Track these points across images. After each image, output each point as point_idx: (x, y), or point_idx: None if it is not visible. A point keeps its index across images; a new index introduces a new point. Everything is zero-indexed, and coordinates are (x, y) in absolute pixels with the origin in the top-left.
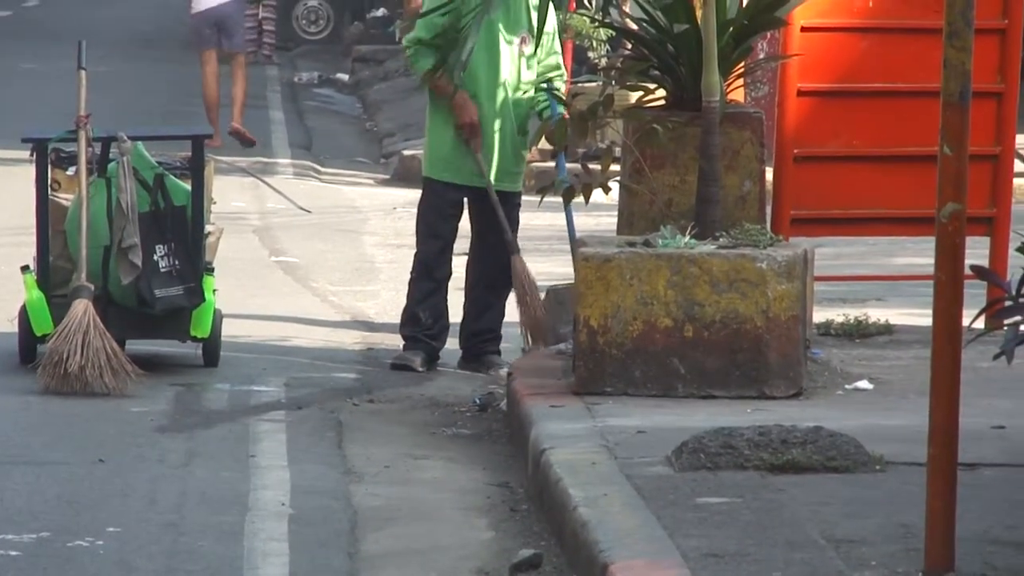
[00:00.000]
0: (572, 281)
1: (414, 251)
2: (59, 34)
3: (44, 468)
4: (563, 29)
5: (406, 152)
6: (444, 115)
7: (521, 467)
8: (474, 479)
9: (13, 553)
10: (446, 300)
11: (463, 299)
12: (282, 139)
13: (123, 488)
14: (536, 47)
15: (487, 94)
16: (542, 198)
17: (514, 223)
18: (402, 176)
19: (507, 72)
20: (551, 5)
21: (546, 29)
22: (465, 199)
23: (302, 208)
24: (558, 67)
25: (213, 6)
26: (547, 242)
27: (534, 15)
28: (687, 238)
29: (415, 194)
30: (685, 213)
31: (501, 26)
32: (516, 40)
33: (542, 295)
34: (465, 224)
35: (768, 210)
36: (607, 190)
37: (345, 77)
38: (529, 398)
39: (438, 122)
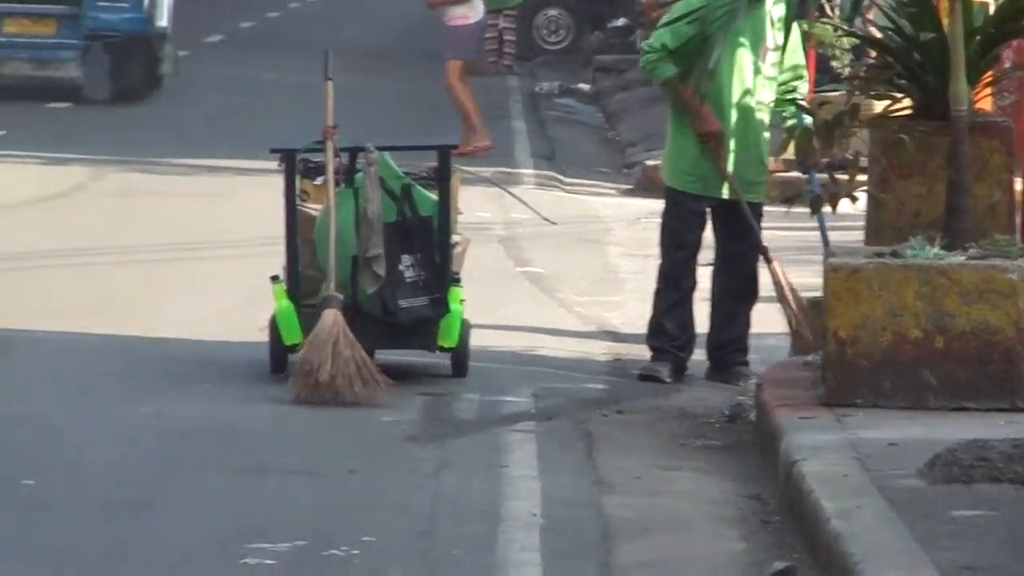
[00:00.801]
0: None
1: (659, 262)
2: (301, 45)
3: (297, 477)
4: (806, 38)
5: (648, 162)
6: (686, 125)
7: (772, 478)
8: (724, 490)
9: (269, 562)
10: (692, 311)
11: (709, 310)
12: (524, 149)
13: (375, 497)
14: (782, 57)
15: (730, 104)
16: (789, 208)
17: (759, 232)
18: (645, 186)
19: (750, 82)
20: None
21: (792, 36)
22: (708, 209)
23: (547, 219)
24: (800, 75)
25: (481, 18)
26: (791, 252)
27: (779, 26)
28: (936, 249)
29: (658, 204)
30: (933, 223)
31: (745, 36)
32: (760, 50)
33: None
34: (710, 234)
35: (1018, 220)
36: (854, 200)
37: (586, 87)
38: (779, 409)
39: (680, 132)
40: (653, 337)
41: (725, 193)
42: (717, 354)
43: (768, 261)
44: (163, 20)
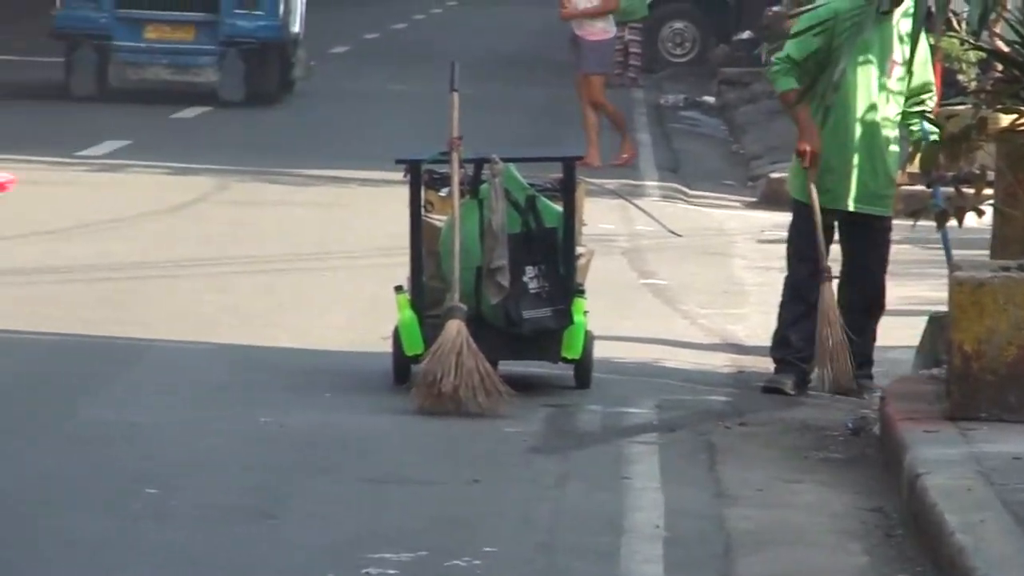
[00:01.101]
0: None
1: (784, 274)
2: (426, 56)
3: (420, 488)
4: (933, 52)
5: (773, 175)
6: None
7: (895, 492)
8: (847, 504)
9: (391, 572)
10: (814, 324)
11: None
12: (649, 161)
13: (498, 508)
14: (909, 73)
15: (856, 118)
16: (915, 222)
17: (884, 248)
18: (769, 199)
19: (877, 96)
20: (923, 30)
21: (920, 51)
22: (835, 222)
23: (672, 232)
24: (929, 89)
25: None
26: (918, 265)
27: (906, 41)
28: None
29: (782, 217)
30: None
31: (873, 51)
32: (887, 65)
33: (920, 321)
34: (837, 247)
35: None
36: (980, 214)
37: (711, 99)
38: (902, 423)
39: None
40: (777, 349)
41: (851, 206)
42: None
43: (823, 281)
44: (296, 26)
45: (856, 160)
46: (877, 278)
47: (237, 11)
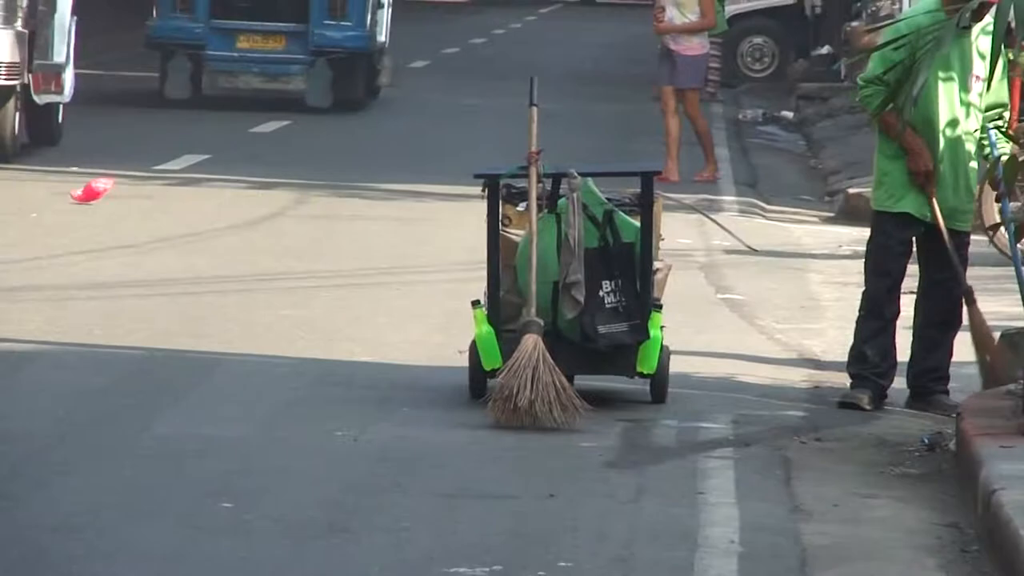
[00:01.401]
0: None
1: (862, 289)
2: (504, 71)
3: (495, 502)
4: (1011, 68)
5: (851, 190)
6: (893, 149)
7: (970, 507)
8: (923, 519)
9: None
10: (894, 338)
11: (911, 338)
12: (727, 176)
13: (573, 522)
14: (987, 88)
15: (940, 132)
16: (992, 236)
17: (964, 262)
18: (847, 214)
19: (959, 110)
20: (1002, 45)
21: (997, 69)
22: (914, 236)
23: (750, 247)
24: (1004, 105)
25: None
26: (996, 281)
27: (983, 56)
28: None
29: (860, 232)
30: None
31: (954, 66)
32: (968, 80)
33: (996, 336)
34: (914, 262)
35: None
36: None
37: (790, 114)
38: (978, 438)
39: (886, 156)
40: (854, 364)
41: (929, 218)
42: (918, 382)
43: (970, 303)
44: (382, 36)
45: (939, 174)
46: (953, 293)
47: (327, 22)
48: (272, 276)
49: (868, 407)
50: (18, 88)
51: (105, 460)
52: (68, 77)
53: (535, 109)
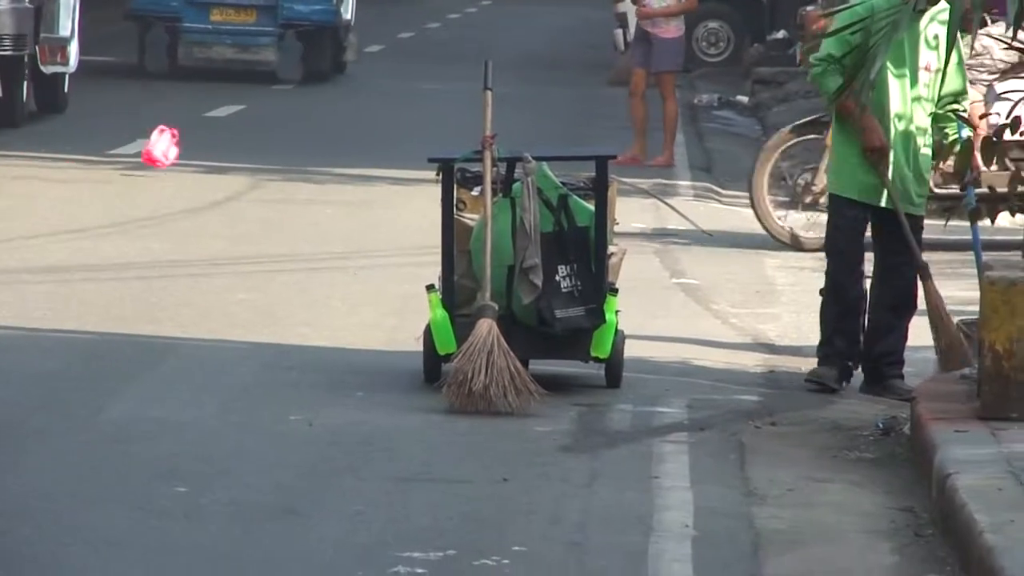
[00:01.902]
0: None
1: (818, 273)
2: (460, 56)
3: (449, 486)
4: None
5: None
6: (848, 133)
7: (925, 492)
8: (877, 503)
9: (419, 570)
10: (859, 322)
11: (866, 321)
12: (682, 161)
13: (527, 507)
14: (942, 76)
15: (893, 117)
16: (947, 220)
17: (918, 247)
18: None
19: (913, 96)
20: (958, 31)
21: (952, 56)
22: (868, 219)
23: (704, 231)
24: (964, 92)
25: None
26: (950, 265)
27: (934, 45)
28: None
29: (815, 217)
30: None
31: (908, 49)
32: (923, 64)
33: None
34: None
35: None
36: (1013, 213)
37: (745, 99)
38: (933, 422)
39: (842, 140)
40: (821, 348)
41: (883, 202)
42: (872, 366)
43: (924, 279)
44: (348, 13)
45: (891, 158)
46: (907, 277)
47: None
48: (226, 260)
49: (835, 386)
50: (26, 59)
51: (57, 444)
52: (73, 49)
53: (490, 93)
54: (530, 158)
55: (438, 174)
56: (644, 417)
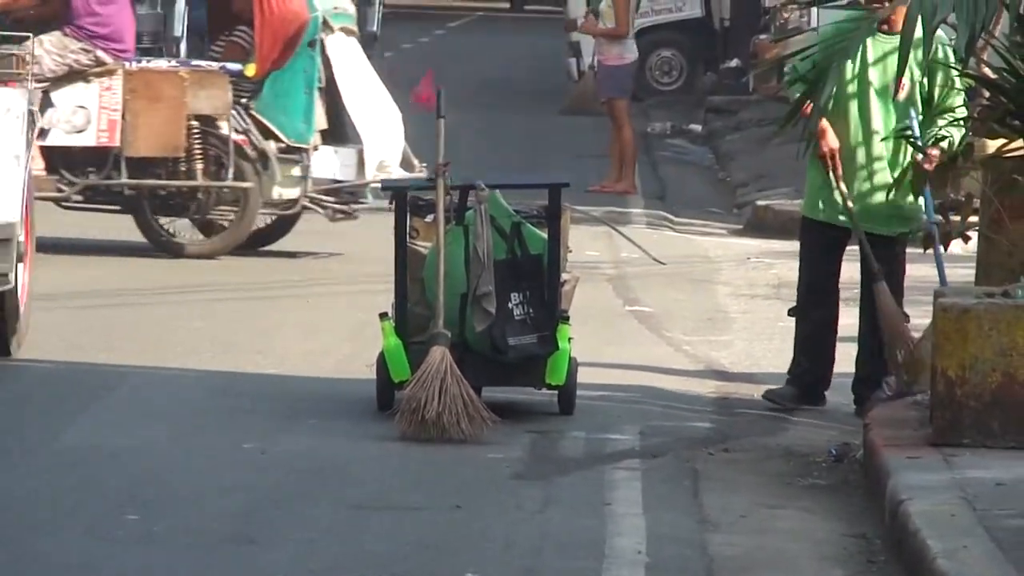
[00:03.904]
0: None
1: (769, 302)
2: (414, 84)
3: (402, 513)
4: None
5: (759, 202)
6: (811, 155)
7: (878, 518)
8: (830, 529)
9: None
10: (826, 343)
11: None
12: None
13: (481, 533)
14: (895, 93)
15: (857, 138)
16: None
17: (896, 266)
18: (755, 226)
19: (877, 118)
20: (911, 55)
21: (915, 78)
22: (839, 242)
23: (656, 260)
24: (952, 109)
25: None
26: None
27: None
28: None
29: (768, 244)
30: None
31: (872, 71)
32: (888, 86)
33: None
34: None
35: None
36: (966, 239)
37: (698, 128)
38: (886, 449)
39: (811, 163)
40: (790, 365)
41: (843, 218)
42: (859, 389)
43: (875, 282)
44: (374, 26)
45: (857, 181)
46: (896, 298)
47: None
48: (178, 289)
49: (789, 404)
50: None
51: (12, 470)
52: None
53: (442, 121)
54: (483, 186)
55: (391, 202)
56: (597, 444)
